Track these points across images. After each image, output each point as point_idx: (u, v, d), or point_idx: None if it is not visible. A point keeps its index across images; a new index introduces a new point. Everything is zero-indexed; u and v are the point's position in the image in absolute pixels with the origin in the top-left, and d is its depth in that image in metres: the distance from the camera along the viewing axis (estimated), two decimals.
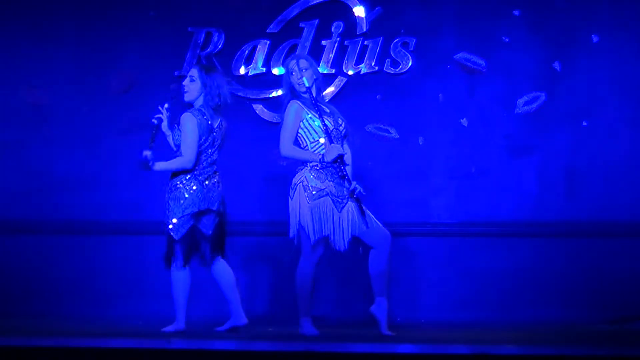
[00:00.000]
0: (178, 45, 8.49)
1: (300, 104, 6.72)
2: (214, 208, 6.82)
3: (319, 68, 7.15)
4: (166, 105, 6.93)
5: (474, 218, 8.18)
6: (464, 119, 8.24)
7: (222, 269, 6.88)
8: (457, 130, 8.27)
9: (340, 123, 6.76)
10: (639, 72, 8.13)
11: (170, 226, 6.76)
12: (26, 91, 8.67)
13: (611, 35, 8.15)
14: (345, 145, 6.77)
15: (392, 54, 8.30)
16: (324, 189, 6.64)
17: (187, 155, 6.75)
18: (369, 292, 6.88)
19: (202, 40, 8.47)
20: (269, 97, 8.42)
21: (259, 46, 8.43)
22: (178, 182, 6.79)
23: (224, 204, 6.90)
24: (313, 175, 6.66)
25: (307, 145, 6.72)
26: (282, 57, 8.39)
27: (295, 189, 6.67)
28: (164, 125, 6.92)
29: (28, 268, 8.43)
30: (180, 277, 6.79)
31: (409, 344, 6.17)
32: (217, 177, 6.87)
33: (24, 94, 8.67)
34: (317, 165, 6.68)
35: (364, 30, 8.34)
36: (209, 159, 6.83)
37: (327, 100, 7.80)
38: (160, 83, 8.37)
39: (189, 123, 6.76)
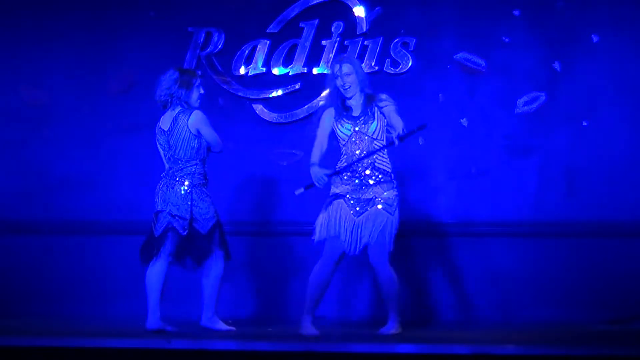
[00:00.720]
0: (178, 45, 8.49)
1: (332, 111, 6.83)
2: (164, 209, 6.90)
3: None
4: None
5: (474, 218, 8.18)
6: (464, 119, 8.24)
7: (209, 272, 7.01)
8: (457, 130, 8.27)
9: (364, 125, 6.77)
10: (639, 72, 8.12)
11: None
12: (25, 91, 8.66)
13: (611, 35, 8.15)
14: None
15: (392, 54, 8.29)
16: (338, 193, 6.67)
17: None
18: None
19: (202, 40, 8.47)
20: (269, 97, 8.41)
21: (259, 46, 8.43)
22: None
23: (189, 209, 6.91)
24: (334, 181, 6.71)
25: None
26: (282, 57, 8.39)
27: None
28: None
29: (28, 268, 8.43)
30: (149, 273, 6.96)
31: (409, 344, 6.16)
32: (167, 180, 6.94)
33: (23, 95, 8.67)
34: (338, 169, 6.72)
35: (364, 30, 8.34)
36: (167, 162, 6.98)
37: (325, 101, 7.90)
38: None
39: None
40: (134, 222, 8.25)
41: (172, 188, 6.92)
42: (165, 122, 7.00)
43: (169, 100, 6.99)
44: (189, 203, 6.89)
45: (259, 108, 8.44)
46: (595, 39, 8.15)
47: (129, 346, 5.77)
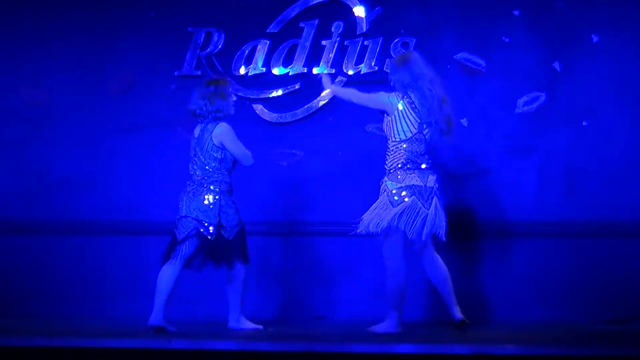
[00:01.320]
0: (178, 45, 8.50)
1: None
2: (189, 215, 6.99)
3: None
4: None
5: (475, 218, 8.18)
6: (464, 119, 8.24)
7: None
8: (457, 130, 8.26)
9: None
10: (639, 72, 8.12)
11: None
12: (25, 91, 8.67)
13: (611, 35, 8.15)
14: None
15: (392, 54, 8.29)
16: None
17: None
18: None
19: (202, 40, 8.47)
20: (269, 97, 8.42)
21: (258, 46, 8.43)
22: None
23: (216, 216, 7.00)
24: None
25: None
26: (282, 57, 8.39)
27: None
28: None
29: (28, 268, 8.43)
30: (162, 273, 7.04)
31: (409, 344, 6.17)
32: (194, 187, 7.05)
33: (23, 95, 8.67)
34: None
35: (364, 30, 8.34)
36: (195, 170, 7.08)
37: (325, 101, 7.97)
38: (160, 83, 8.39)
39: None
40: (133, 222, 8.27)
41: (199, 195, 7.01)
42: (196, 131, 7.15)
43: (204, 113, 7.12)
44: (217, 210, 6.98)
45: (259, 108, 8.44)
46: (595, 39, 8.15)
47: (129, 346, 5.78)
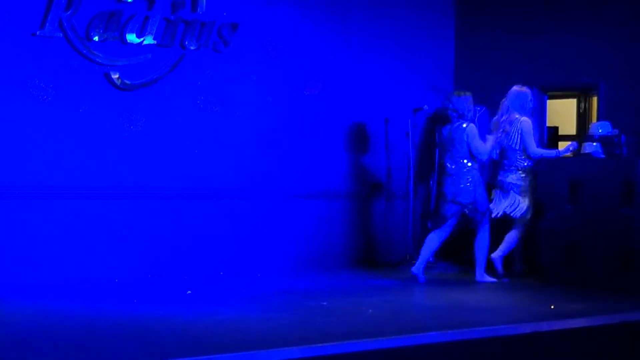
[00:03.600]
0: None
1: None
2: (451, 198, 8.82)
3: None
4: None
5: None
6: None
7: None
8: None
9: None
10: None
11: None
12: None
13: None
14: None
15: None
16: None
17: None
18: None
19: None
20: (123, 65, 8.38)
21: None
22: None
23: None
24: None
25: None
26: (136, 27, 8.38)
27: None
28: None
29: None
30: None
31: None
32: (445, 173, 8.79)
33: None
34: None
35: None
36: (448, 162, 8.79)
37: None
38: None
39: None
40: None
41: (448, 180, 8.73)
42: (446, 131, 8.74)
43: (458, 114, 8.63)
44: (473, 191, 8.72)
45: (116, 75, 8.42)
46: None
47: None
